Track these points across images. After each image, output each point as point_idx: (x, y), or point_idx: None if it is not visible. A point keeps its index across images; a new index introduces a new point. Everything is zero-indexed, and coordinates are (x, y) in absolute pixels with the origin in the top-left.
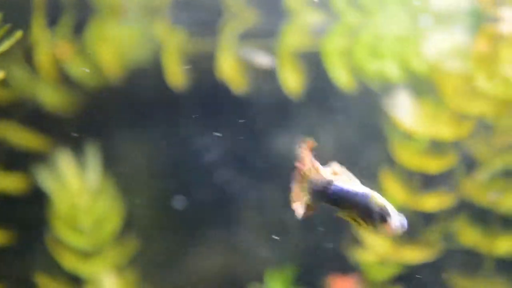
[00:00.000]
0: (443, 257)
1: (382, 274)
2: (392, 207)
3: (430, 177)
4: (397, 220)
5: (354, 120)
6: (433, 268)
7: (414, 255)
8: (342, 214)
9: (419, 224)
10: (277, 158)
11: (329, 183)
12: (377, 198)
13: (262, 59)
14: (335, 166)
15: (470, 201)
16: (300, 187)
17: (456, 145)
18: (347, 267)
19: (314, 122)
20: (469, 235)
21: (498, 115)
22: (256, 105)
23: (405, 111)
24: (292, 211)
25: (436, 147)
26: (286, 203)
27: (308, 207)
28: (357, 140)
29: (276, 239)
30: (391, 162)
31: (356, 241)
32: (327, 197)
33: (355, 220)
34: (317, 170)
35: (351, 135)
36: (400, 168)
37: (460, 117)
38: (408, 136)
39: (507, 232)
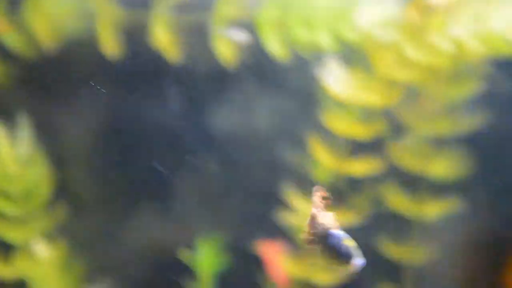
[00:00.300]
0: (372, 222)
1: None
2: (356, 248)
3: (359, 143)
4: (358, 260)
5: (287, 89)
6: (362, 233)
7: (342, 219)
8: (320, 252)
9: (347, 189)
10: (212, 128)
11: (329, 229)
12: (348, 240)
13: (238, 35)
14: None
15: (398, 167)
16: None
17: (385, 112)
18: (275, 232)
19: (249, 92)
20: (398, 201)
21: (426, 83)
22: (192, 75)
23: (337, 80)
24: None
25: (366, 114)
26: (219, 173)
27: (312, 242)
28: (290, 108)
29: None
30: (322, 129)
31: (285, 206)
32: (324, 239)
33: (328, 257)
34: (322, 216)
35: (284, 103)
36: (330, 134)
37: (389, 84)
38: (339, 104)
39: (435, 198)
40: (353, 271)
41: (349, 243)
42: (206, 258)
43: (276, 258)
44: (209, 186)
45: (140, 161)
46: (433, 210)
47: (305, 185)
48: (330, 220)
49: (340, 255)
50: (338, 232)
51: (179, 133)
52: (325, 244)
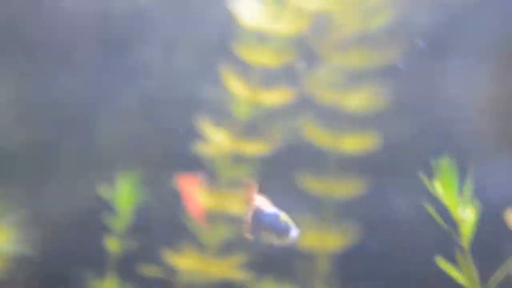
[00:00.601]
0: (286, 154)
1: (229, 170)
2: (291, 221)
3: (271, 73)
4: (295, 232)
5: (198, 19)
6: (276, 165)
7: (255, 149)
8: (262, 233)
9: (260, 119)
10: (128, 64)
11: (267, 210)
12: (283, 217)
13: None
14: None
15: (312, 98)
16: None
17: (297, 41)
18: (193, 164)
19: (162, 24)
20: (313, 133)
21: (338, 12)
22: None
23: (248, 9)
24: None
25: (279, 43)
26: (136, 108)
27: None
28: (201, 37)
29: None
30: (233, 58)
31: (200, 138)
32: (264, 222)
33: (269, 235)
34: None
35: (197, 34)
36: (242, 63)
37: (300, 13)
38: (251, 33)
39: (351, 130)
40: (292, 242)
41: (284, 218)
42: (124, 193)
43: (193, 191)
44: (127, 121)
45: (59, 100)
46: (349, 142)
47: (222, 118)
48: (266, 202)
49: (280, 232)
50: (275, 212)
51: (96, 70)
52: (265, 224)
